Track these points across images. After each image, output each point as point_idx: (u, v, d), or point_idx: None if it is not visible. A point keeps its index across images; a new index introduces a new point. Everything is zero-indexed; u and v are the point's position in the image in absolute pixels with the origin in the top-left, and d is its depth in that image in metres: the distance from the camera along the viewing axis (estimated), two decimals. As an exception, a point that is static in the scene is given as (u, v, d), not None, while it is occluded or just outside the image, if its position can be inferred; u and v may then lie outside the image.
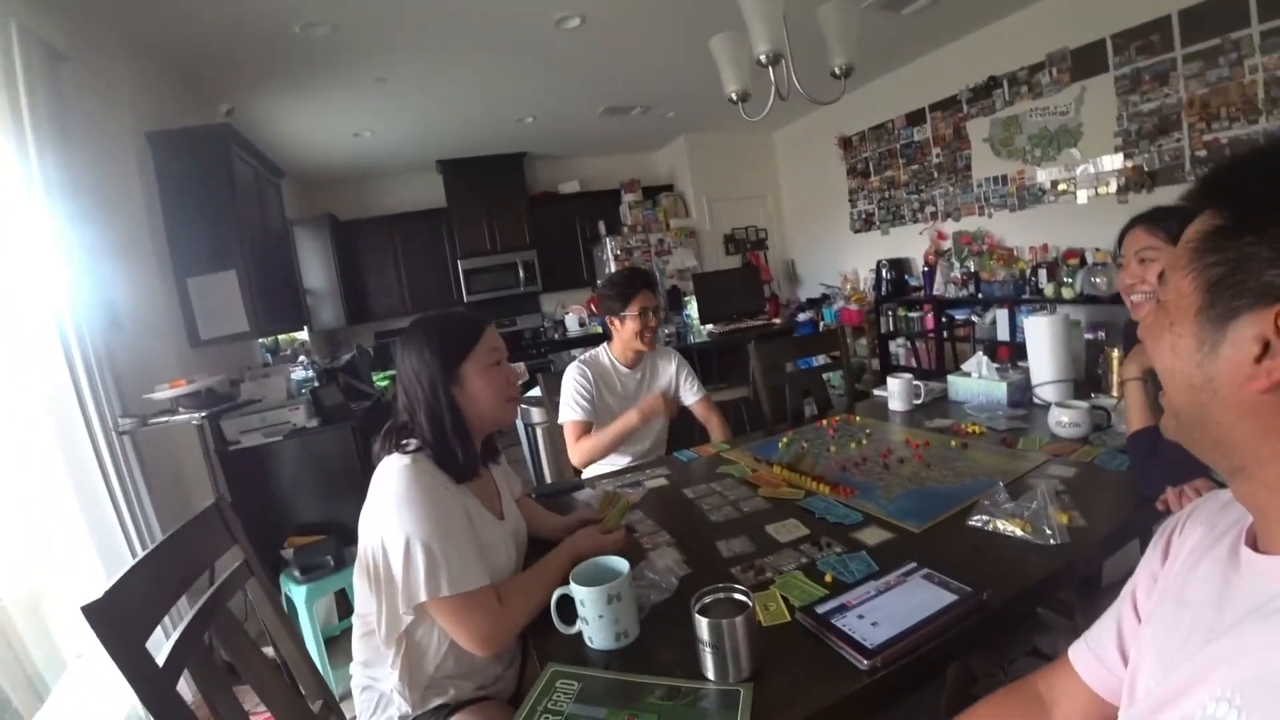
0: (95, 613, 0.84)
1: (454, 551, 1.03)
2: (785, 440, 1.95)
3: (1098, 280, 3.75)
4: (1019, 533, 1.16)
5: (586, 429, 2.14)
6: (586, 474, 2.14)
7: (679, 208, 6.61)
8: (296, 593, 2.20)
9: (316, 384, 3.39)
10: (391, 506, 1.03)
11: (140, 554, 1.02)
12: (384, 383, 4.28)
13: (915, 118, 5.09)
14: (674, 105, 5.33)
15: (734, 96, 1.82)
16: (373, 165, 5.78)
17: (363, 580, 1.08)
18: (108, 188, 2.51)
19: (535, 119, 5.12)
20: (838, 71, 1.75)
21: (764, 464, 1.77)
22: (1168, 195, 3.51)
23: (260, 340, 3.99)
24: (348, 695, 1.19)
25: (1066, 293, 3.91)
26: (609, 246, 6.05)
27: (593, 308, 6.21)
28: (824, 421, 2.14)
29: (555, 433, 2.32)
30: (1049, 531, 1.13)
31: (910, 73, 5.02)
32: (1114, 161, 3.75)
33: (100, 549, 2.11)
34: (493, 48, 3.60)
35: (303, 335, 5.18)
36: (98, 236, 2.33)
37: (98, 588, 0.88)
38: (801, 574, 1.13)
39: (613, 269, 5.98)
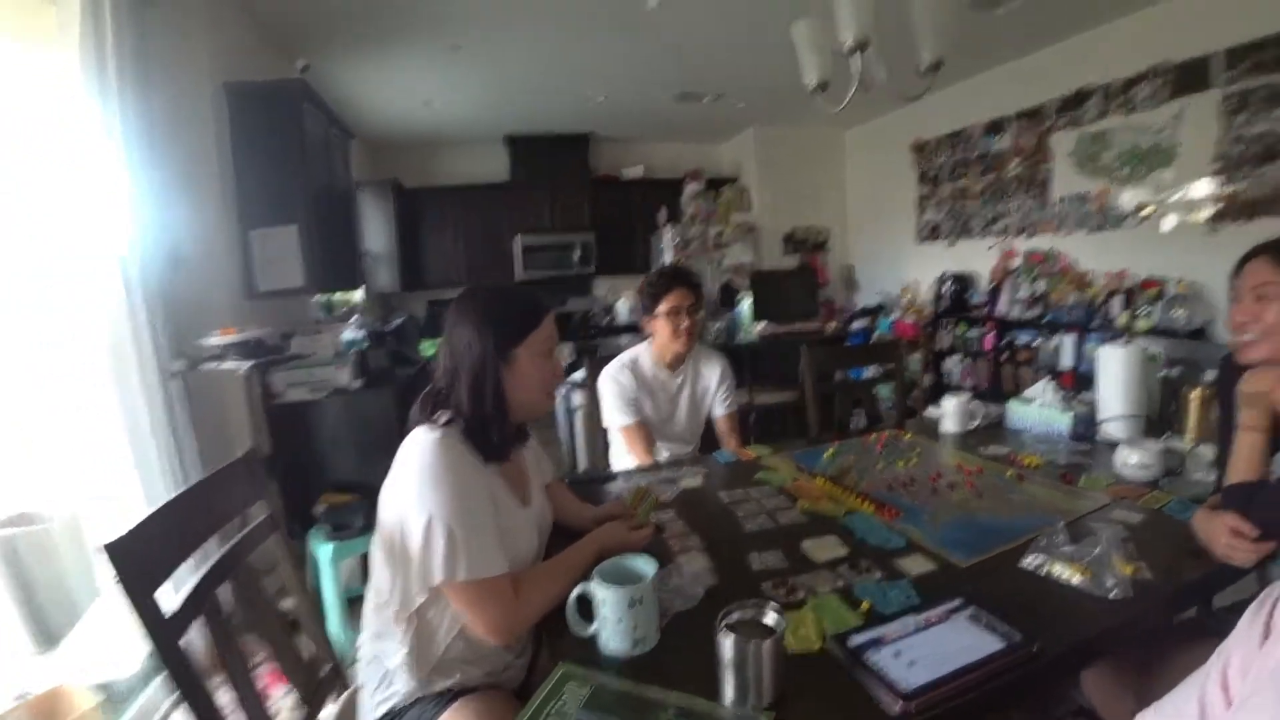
0: (117, 552, 0.84)
1: (475, 535, 0.99)
2: (831, 451, 1.87)
3: (1177, 314, 3.52)
4: (1076, 580, 1.06)
5: (641, 429, 2.09)
6: (619, 467, 2.10)
7: (741, 201, 6.47)
8: (323, 550, 2.22)
9: (365, 345, 3.43)
10: (414, 481, 1.01)
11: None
12: (431, 352, 4.32)
13: (996, 126, 4.85)
14: (747, 95, 5.20)
15: (813, 85, 1.73)
16: (440, 134, 5.83)
17: (380, 552, 1.06)
18: (181, 134, 2.57)
19: (607, 98, 5.06)
20: (927, 64, 1.64)
21: (806, 474, 1.69)
22: (1266, 227, 3.23)
23: (316, 297, 4.07)
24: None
25: (1142, 324, 3.67)
26: (667, 235, 5.97)
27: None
28: (873, 435, 2.04)
29: (594, 418, 2.29)
30: (1110, 582, 1.03)
31: (996, 78, 4.77)
32: (1209, 187, 3.47)
33: (144, 484, 2.16)
34: (571, 23, 3.56)
35: (358, 296, 5.26)
36: (168, 180, 2.38)
37: (136, 521, 0.88)
38: (837, 598, 1.06)
39: (669, 258, 5.91)
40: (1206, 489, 1.44)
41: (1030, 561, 1.14)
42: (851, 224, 6.82)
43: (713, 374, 2.24)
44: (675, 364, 2.19)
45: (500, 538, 1.04)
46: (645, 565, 1.01)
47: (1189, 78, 3.50)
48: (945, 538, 1.28)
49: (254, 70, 3.13)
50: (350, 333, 3.80)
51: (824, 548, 1.26)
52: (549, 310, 1.20)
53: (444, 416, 1.09)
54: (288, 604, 1.69)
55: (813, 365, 2.38)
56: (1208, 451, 1.58)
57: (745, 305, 4.62)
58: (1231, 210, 3.38)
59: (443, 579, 0.97)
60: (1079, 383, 3.71)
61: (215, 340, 2.31)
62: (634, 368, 2.16)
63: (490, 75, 4.37)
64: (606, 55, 4.12)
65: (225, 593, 1.07)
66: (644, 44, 3.94)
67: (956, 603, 0.99)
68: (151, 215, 2.24)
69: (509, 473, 1.19)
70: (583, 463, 3.40)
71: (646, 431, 2.11)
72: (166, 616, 0.87)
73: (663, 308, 2.08)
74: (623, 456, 2.16)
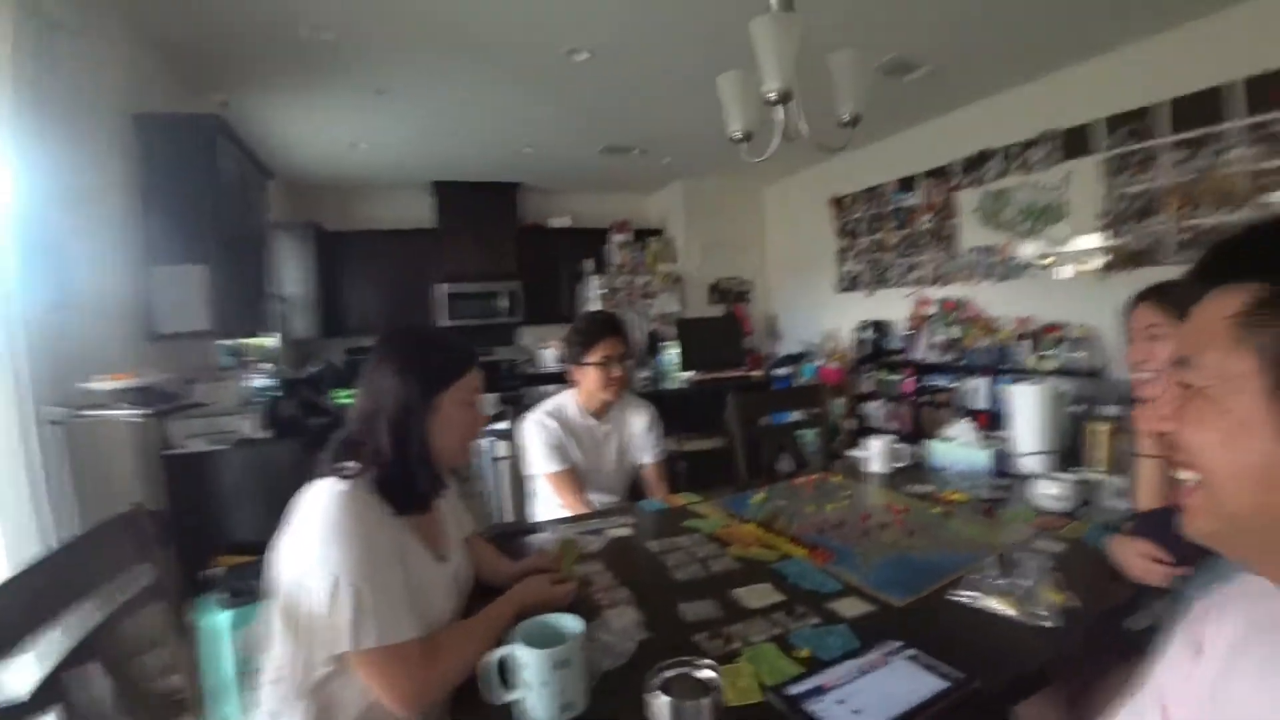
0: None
1: (383, 596, 0.91)
2: (760, 496, 1.85)
3: (1078, 355, 3.80)
4: (1009, 612, 1.08)
5: (570, 475, 2.02)
6: (543, 517, 2.02)
7: (668, 252, 6.60)
8: (220, 619, 2.01)
9: (277, 394, 3.23)
10: (318, 539, 0.91)
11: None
12: (347, 400, 4.11)
13: (908, 183, 5.16)
14: (673, 150, 5.35)
15: (737, 135, 1.77)
16: (366, 178, 5.72)
17: (277, 620, 0.95)
18: (83, 163, 2.40)
19: (534, 149, 5.09)
20: (846, 118, 1.71)
21: (736, 520, 1.66)
22: (1150, 275, 3.51)
23: (225, 342, 3.83)
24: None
25: (1047, 365, 3.93)
26: (594, 285, 5.99)
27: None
28: (802, 478, 2.04)
29: (519, 468, 2.20)
30: (1043, 612, 1.06)
31: (906, 139, 5.10)
32: (1098, 240, 3.79)
33: (8, 545, 1.92)
34: (499, 74, 3.58)
35: (270, 341, 5.00)
36: (64, 211, 2.21)
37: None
38: (774, 646, 1.02)
39: (596, 307, 5.92)
40: (1119, 516, 1.50)
41: (963, 596, 1.14)
42: (773, 275, 7.06)
43: (640, 422, 2.20)
44: (602, 412, 2.14)
45: (411, 598, 0.96)
46: (570, 623, 0.94)
47: (1076, 141, 3.85)
48: (879, 578, 1.27)
49: (169, 103, 3.00)
50: (261, 380, 3.58)
51: (758, 595, 1.22)
52: (476, 357, 1.16)
53: (350, 469, 1.01)
54: (174, 681, 1.52)
55: (740, 411, 2.39)
56: (1116, 481, 1.66)
57: (672, 353, 4.67)
58: (1119, 260, 3.68)
59: (351, 646, 0.88)
60: (993, 421, 3.88)
61: (103, 385, 2.11)
62: (559, 415, 2.09)
63: (417, 121, 4.33)
64: (534, 107, 4.15)
65: (95, 672, 0.94)
66: (571, 97, 4.01)
67: (897, 644, 0.97)
68: (40, 245, 2.06)
69: (424, 526, 1.11)
70: (508, 515, 3.27)
71: (576, 477, 2.04)
72: (10, 706, 0.74)
73: (593, 357, 2.03)
74: (548, 507, 2.07)
